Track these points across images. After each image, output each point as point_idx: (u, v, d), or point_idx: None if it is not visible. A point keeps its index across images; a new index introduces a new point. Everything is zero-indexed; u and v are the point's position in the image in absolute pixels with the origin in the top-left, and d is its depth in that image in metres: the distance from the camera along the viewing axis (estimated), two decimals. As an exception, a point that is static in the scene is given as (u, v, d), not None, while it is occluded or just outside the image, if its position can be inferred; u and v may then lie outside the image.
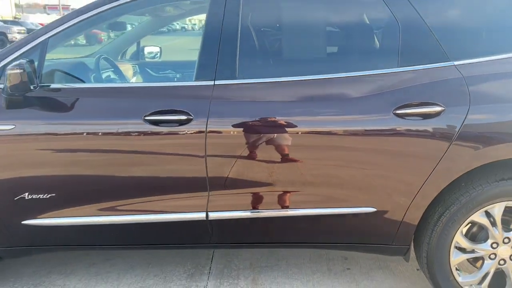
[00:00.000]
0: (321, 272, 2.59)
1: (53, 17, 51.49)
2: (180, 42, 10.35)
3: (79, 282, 2.48)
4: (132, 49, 3.46)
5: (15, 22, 30.22)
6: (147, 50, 3.59)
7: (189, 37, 11.19)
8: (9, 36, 25.30)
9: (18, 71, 1.85)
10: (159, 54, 3.72)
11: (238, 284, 2.47)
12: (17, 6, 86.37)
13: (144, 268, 2.61)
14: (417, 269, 2.57)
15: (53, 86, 2.12)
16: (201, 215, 2.11)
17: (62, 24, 2.15)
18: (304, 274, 2.56)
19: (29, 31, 27.34)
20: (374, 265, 2.67)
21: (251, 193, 2.09)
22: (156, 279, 2.51)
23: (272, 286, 2.44)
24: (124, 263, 2.67)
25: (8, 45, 2.26)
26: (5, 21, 29.98)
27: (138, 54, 3.45)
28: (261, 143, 2.02)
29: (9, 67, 1.88)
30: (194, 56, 2.11)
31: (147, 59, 3.57)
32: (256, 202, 2.11)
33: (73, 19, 2.16)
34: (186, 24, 13.74)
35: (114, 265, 2.65)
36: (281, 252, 2.78)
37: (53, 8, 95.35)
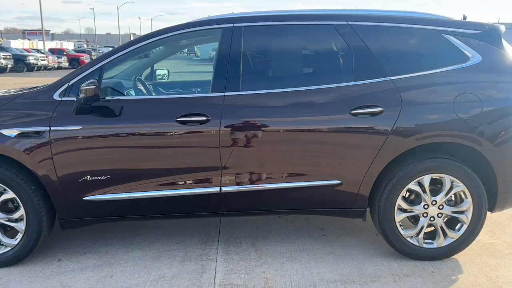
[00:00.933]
0: (304, 238, 3.40)
1: (35, 42, 51.88)
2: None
3: (119, 249, 3.24)
4: (147, 71, 4.27)
5: (0, 48, 30.56)
6: (157, 72, 4.43)
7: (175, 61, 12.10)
8: (-6, 61, 25.63)
9: (92, 86, 2.67)
10: (167, 75, 4.55)
11: (241, 246, 3.26)
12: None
13: (167, 238, 3.38)
14: (376, 235, 3.40)
15: (107, 98, 2.93)
16: (216, 189, 2.93)
17: (111, 56, 2.99)
18: (291, 239, 3.37)
19: (14, 56, 27.80)
20: (344, 232, 3.50)
21: (252, 172, 2.92)
22: (178, 245, 3.28)
23: (267, 247, 3.25)
24: (152, 235, 3.43)
25: (74, 69, 3.05)
26: (-11, 47, 30.32)
27: (152, 75, 4.27)
28: (258, 136, 2.87)
29: (84, 84, 2.70)
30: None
31: (158, 78, 4.40)
32: (255, 179, 2.93)
33: (119, 52, 3.00)
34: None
35: (145, 237, 3.41)
36: (272, 225, 3.60)
37: (33, 33, 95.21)
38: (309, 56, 3.27)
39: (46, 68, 30.23)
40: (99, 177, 2.88)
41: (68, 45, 56.28)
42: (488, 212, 3.07)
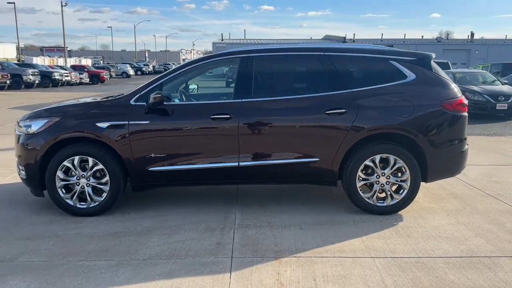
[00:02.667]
0: (295, 203, 4.84)
1: (55, 59, 54.38)
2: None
3: (168, 208, 4.70)
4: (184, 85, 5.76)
5: (28, 64, 32.58)
6: (190, 86, 5.93)
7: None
8: (24, 77, 27.51)
9: (159, 95, 4.18)
10: (197, 88, 6.05)
11: (252, 207, 4.70)
12: (16, 48, 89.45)
13: (195, 213, 4.71)
14: (348, 200, 4.82)
15: (164, 103, 4.41)
16: (236, 164, 4.39)
17: (166, 76, 4.51)
18: (287, 205, 4.81)
19: (41, 72, 29.71)
20: (325, 200, 4.93)
21: (259, 152, 4.38)
22: (210, 205, 4.72)
23: (270, 208, 4.67)
24: (182, 210, 4.82)
25: (143, 83, 4.53)
26: (18, 64, 32.38)
27: (187, 88, 5.76)
28: (263, 129, 4.33)
29: (153, 94, 4.20)
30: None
31: (191, 91, 5.90)
32: (261, 157, 4.39)
33: (170, 74, 4.52)
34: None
35: (177, 211, 4.84)
36: (273, 198, 5.04)
37: (50, 50, 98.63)
38: (298, 75, 4.79)
39: (69, 83, 32.15)
40: (159, 155, 4.36)
41: (87, 62, 58.66)
42: (428, 184, 4.49)
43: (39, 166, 4.38)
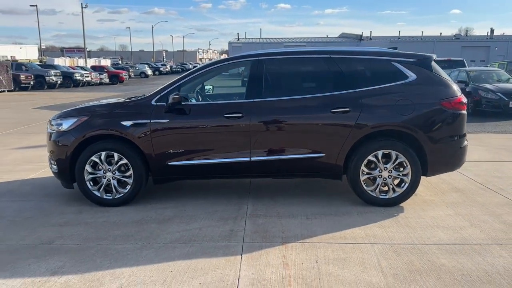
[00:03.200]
0: (303, 195, 5.18)
1: (76, 60, 55.61)
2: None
3: (187, 201, 5.10)
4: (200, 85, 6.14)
5: (50, 65, 33.55)
6: (206, 87, 6.31)
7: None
8: (47, 78, 28.43)
9: (177, 96, 4.58)
10: (212, 88, 6.43)
11: (263, 199, 5.06)
12: (38, 50, 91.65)
13: (211, 204, 5.12)
14: (353, 193, 5.14)
15: (184, 103, 4.80)
16: (247, 159, 4.76)
17: (184, 78, 4.90)
18: (295, 197, 5.16)
19: (63, 73, 30.58)
20: (330, 193, 5.26)
21: (270, 149, 4.74)
22: (220, 208, 5.01)
23: (280, 200, 5.03)
24: (199, 202, 5.25)
25: (162, 85, 4.94)
26: (41, 65, 33.38)
27: (203, 88, 6.14)
28: (273, 126, 4.69)
29: (172, 95, 4.61)
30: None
31: (207, 91, 6.27)
32: (271, 152, 4.75)
33: (188, 76, 4.91)
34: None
35: (195, 203, 5.25)
36: (282, 191, 5.39)
37: (70, 51, 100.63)
38: (305, 76, 5.14)
39: (89, 84, 33.06)
40: (177, 150, 4.76)
41: (106, 62, 59.77)
42: (431, 179, 4.79)
43: (69, 161, 4.82)
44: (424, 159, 4.73)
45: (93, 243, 3.89)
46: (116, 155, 4.78)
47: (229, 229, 4.17)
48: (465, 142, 4.88)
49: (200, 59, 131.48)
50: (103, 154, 4.78)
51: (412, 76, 4.77)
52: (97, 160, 4.79)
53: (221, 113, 4.72)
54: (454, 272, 3.30)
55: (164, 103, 4.75)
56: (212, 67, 5.03)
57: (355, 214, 4.59)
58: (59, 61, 48.24)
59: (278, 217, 4.50)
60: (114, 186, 4.85)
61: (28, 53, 66.97)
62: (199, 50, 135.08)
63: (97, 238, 3.99)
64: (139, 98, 5.04)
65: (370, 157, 4.71)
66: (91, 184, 4.85)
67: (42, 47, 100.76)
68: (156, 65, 58.44)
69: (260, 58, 4.90)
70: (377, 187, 4.77)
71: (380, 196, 4.79)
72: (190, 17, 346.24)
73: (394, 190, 4.77)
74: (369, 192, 4.78)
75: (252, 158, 4.77)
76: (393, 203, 4.80)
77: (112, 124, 4.77)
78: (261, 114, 4.71)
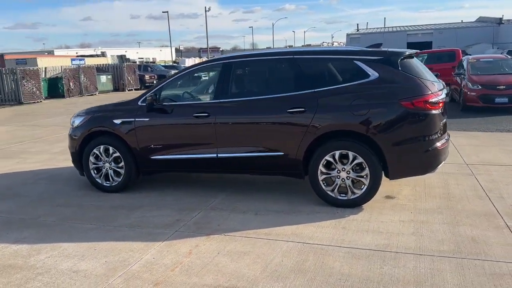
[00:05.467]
0: (266, 191, 5.34)
1: (204, 59, 60.23)
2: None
3: (168, 192, 5.67)
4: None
5: (174, 66, 36.96)
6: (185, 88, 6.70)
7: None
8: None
9: (150, 98, 5.17)
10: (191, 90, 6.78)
11: (232, 199, 5.38)
12: (177, 51, 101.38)
13: (185, 196, 5.64)
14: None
15: (164, 103, 5.37)
16: (215, 156, 5.13)
17: (165, 81, 5.46)
18: (261, 193, 5.35)
19: (159, 76, 32.99)
20: (291, 192, 5.32)
21: (233, 146, 5.04)
22: (190, 199, 5.49)
23: (247, 193, 5.29)
24: (179, 193, 5.76)
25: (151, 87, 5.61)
26: (164, 66, 37.03)
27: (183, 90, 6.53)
28: (235, 126, 4.98)
29: (147, 95, 5.22)
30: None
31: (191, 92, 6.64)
32: (234, 150, 5.04)
33: (169, 79, 5.45)
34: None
35: (176, 193, 5.78)
36: (250, 186, 5.61)
37: (205, 51, 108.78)
38: (269, 77, 5.26)
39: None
40: (157, 146, 5.36)
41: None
42: (432, 182, 4.60)
43: (78, 152, 5.78)
44: (384, 161, 4.54)
45: (65, 221, 4.71)
46: (111, 149, 5.58)
47: (176, 219, 4.62)
48: (436, 144, 4.53)
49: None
50: (101, 147, 5.62)
51: (374, 74, 4.60)
52: (98, 152, 5.65)
53: (192, 112, 5.17)
54: (334, 275, 3.28)
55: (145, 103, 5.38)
56: (189, 70, 5.49)
57: (306, 213, 4.64)
58: (189, 62, 52.85)
59: (231, 211, 4.80)
60: (111, 175, 5.67)
61: (166, 55, 74.50)
62: (324, 44, 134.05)
63: (72, 218, 4.80)
64: (130, 100, 5.75)
65: (328, 158, 4.69)
66: (95, 172, 5.74)
67: (181, 48, 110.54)
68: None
69: (229, 61, 5.21)
70: (335, 187, 4.73)
71: (339, 197, 4.73)
72: (320, 10, 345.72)
73: (353, 192, 4.67)
74: (328, 192, 4.76)
75: (219, 155, 5.12)
76: (353, 204, 4.70)
77: (107, 122, 5.57)
78: (225, 114, 5.03)
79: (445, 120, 5.02)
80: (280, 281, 3.23)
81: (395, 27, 63.00)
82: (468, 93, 12.02)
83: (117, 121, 5.50)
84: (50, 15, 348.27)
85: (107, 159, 5.64)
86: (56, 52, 55.41)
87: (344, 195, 4.73)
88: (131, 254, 3.81)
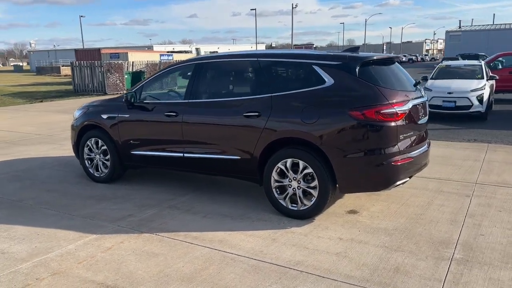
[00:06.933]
0: (221, 194, 5.26)
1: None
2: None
3: (144, 188, 5.87)
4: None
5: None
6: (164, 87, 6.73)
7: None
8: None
9: (126, 96, 5.40)
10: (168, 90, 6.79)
11: (194, 200, 5.40)
12: (270, 47, 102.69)
13: (158, 192, 5.77)
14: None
15: (144, 101, 5.57)
16: (181, 155, 5.20)
17: (145, 81, 5.65)
18: (218, 197, 5.29)
19: None
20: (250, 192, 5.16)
21: (196, 147, 5.06)
22: (158, 196, 5.56)
23: (211, 193, 5.28)
24: (154, 188, 5.91)
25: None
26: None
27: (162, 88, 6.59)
28: (197, 126, 4.99)
29: (127, 93, 5.45)
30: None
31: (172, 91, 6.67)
32: (197, 151, 5.06)
33: (148, 79, 5.62)
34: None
35: (151, 188, 5.93)
36: (228, 191, 5.56)
37: (299, 48, 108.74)
38: (233, 79, 5.15)
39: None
40: (135, 142, 5.59)
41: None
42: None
43: (76, 143, 6.24)
44: (333, 173, 4.25)
45: (39, 206, 5.13)
46: (100, 142, 5.95)
47: (129, 214, 4.79)
48: (391, 159, 4.12)
49: (427, 50, 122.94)
50: (93, 140, 6.01)
51: (329, 81, 4.31)
52: (90, 144, 6.05)
53: (164, 111, 5.29)
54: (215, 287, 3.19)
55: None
56: (166, 70, 5.60)
57: (252, 220, 4.52)
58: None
59: (185, 211, 4.84)
60: (100, 167, 6.04)
61: (256, 50, 75.90)
62: (427, 41, 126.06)
63: (47, 203, 5.21)
64: (117, 97, 6.04)
65: (280, 165, 4.51)
66: (88, 163, 6.16)
67: (273, 45, 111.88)
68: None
69: (199, 62, 5.23)
70: (286, 196, 4.54)
71: (290, 207, 4.53)
72: (427, 5, 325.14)
73: (303, 203, 4.45)
74: (280, 201, 4.58)
75: (185, 155, 5.19)
76: (303, 216, 4.47)
77: (96, 116, 5.93)
78: (190, 114, 5.07)
79: (420, 132, 4.56)
80: (158, 287, 3.23)
81: (504, 24, 57.00)
82: None
83: (104, 116, 5.83)
84: (160, 12, 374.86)
85: (97, 151, 6.01)
86: (155, 48, 59.35)
87: (295, 205, 4.51)
88: (60, 243, 4.05)
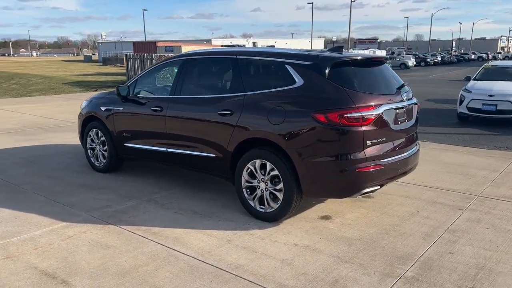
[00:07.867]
0: (197, 191, 5.23)
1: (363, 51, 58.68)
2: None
3: (118, 182, 6.01)
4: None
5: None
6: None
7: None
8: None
9: (116, 89, 5.55)
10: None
11: (175, 195, 5.44)
12: (329, 42, 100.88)
13: (147, 184, 5.87)
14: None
15: (138, 95, 5.70)
16: (165, 150, 5.27)
17: (139, 75, 5.76)
18: (195, 192, 5.28)
19: None
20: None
21: (177, 143, 5.10)
22: (146, 189, 5.69)
23: (187, 199, 5.30)
24: (147, 181, 6.01)
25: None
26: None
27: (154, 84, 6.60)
28: (178, 122, 5.01)
29: (119, 86, 5.60)
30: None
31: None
32: (178, 147, 5.09)
33: (142, 73, 5.73)
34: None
35: (141, 180, 6.04)
36: (210, 188, 5.54)
37: (362, 42, 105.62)
38: (213, 76, 5.09)
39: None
40: (128, 135, 5.73)
41: (381, 53, 60.19)
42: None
43: (81, 133, 6.52)
44: (297, 177, 4.10)
45: (35, 191, 5.41)
46: (99, 133, 6.17)
47: (107, 205, 4.93)
48: (356, 166, 3.90)
49: (502, 48, 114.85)
50: (94, 130, 6.26)
51: (299, 81, 4.15)
52: (92, 134, 6.31)
53: (152, 106, 5.38)
54: (144, 284, 3.20)
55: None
56: (157, 66, 5.67)
57: (219, 219, 4.49)
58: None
59: (160, 206, 4.89)
60: (99, 157, 6.27)
61: (315, 46, 74.86)
62: (503, 38, 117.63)
63: (42, 189, 5.49)
64: (112, 91, 6.21)
65: (250, 165, 4.43)
66: (91, 152, 6.42)
67: (333, 39, 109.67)
68: (424, 55, 55.12)
69: (185, 57, 5.24)
70: (255, 197, 4.45)
71: (258, 208, 4.44)
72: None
73: (270, 205, 4.34)
74: (250, 202, 4.51)
75: (168, 150, 5.25)
76: (269, 218, 4.37)
77: (96, 108, 6.16)
78: (173, 109, 5.11)
79: (401, 137, 4.31)
80: (91, 279, 3.29)
81: None
82: None
83: (103, 108, 6.04)
84: (224, 6, 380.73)
85: (98, 141, 6.25)
86: (213, 42, 60.35)
87: (263, 207, 4.42)
88: (30, 228, 4.26)
